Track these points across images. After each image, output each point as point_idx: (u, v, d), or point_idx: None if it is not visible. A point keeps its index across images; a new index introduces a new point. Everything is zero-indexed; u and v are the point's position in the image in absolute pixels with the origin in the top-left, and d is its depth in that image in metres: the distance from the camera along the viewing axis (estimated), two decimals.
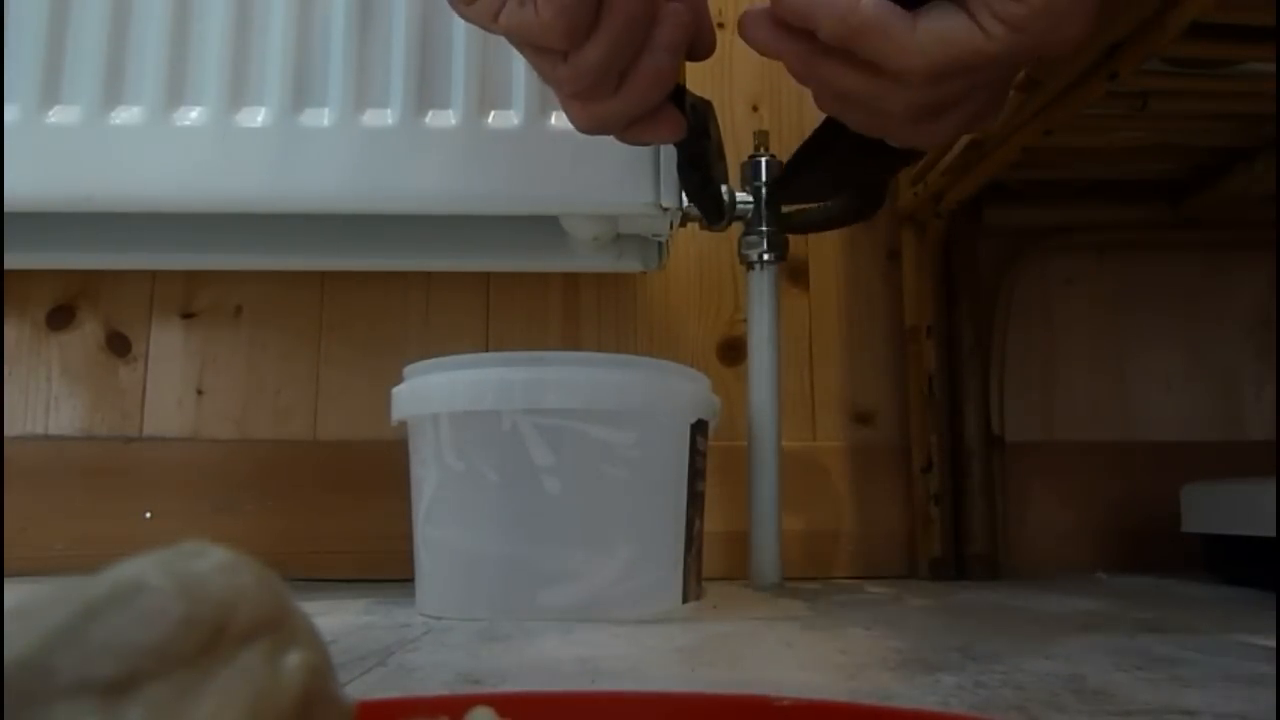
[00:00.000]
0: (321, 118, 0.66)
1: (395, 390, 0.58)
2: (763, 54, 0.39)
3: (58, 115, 0.66)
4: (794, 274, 0.86)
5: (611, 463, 0.53)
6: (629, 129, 0.42)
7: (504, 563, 0.53)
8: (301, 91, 0.67)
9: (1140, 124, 0.67)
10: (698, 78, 0.45)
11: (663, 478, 0.56)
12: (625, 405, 0.54)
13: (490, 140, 0.66)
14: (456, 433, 0.54)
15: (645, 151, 0.65)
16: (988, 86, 0.38)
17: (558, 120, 0.66)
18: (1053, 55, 0.40)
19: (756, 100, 0.88)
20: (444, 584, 0.55)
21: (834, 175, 0.48)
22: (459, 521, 0.54)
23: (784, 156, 0.80)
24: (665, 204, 0.66)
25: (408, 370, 0.58)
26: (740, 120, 0.87)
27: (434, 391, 0.55)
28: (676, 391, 0.56)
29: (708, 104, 0.46)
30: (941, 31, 0.32)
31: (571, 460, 0.53)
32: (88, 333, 0.83)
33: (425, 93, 0.67)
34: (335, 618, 0.54)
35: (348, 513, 0.80)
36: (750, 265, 0.76)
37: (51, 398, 0.82)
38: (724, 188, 0.70)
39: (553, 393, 0.53)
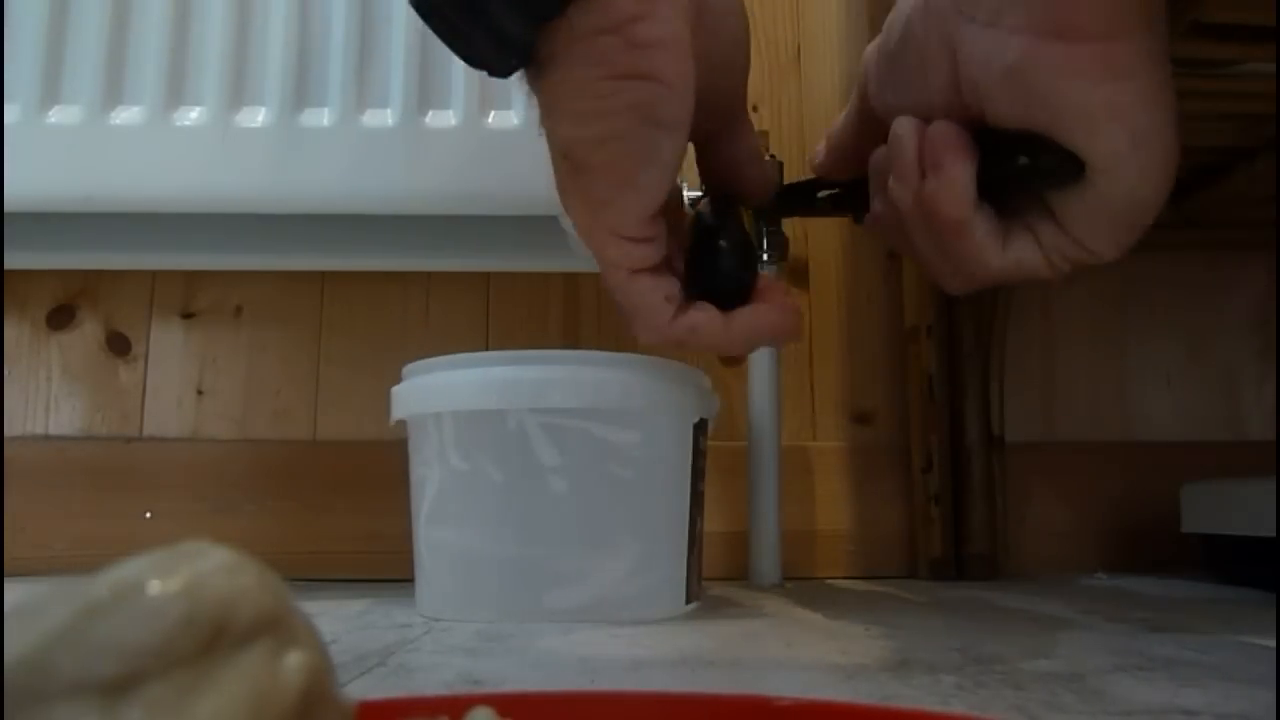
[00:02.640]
0: (321, 118, 0.66)
1: (395, 389, 0.58)
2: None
3: (58, 115, 0.66)
4: (794, 274, 0.86)
5: (617, 462, 0.53)
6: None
7: (509, 564, 0.53)
8: (301, 91, 0.67)
9: None
10: None
11: (667, 477, 0.56)
12: (631, 405, 0.54)
13: (490, 140, 0.66)
14: (460, 432, 0.54)
15: None
16: None
17: None
18: None
19: (756, 100, 0.88)
20: (447, 585, 0.55)
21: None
22: (462, 522, 0.54)
23: (784, 157, 0.81)
24: None
25: (407, 370, 0.58)
26: None
27: (438, 390, 0.55)
28: (680, 391, 0.56)
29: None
30: (1019, 259, 0.37)
31: (578, 460, 0.53)
32: (88, 333, 0.83)
33: (425, 93, 0.67)
34: (335, 618, 0.54)
35: (348, 513, 0.80)
36: None
37: (51, 398, 0.82)
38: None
39: (559, 392, 0.53)
